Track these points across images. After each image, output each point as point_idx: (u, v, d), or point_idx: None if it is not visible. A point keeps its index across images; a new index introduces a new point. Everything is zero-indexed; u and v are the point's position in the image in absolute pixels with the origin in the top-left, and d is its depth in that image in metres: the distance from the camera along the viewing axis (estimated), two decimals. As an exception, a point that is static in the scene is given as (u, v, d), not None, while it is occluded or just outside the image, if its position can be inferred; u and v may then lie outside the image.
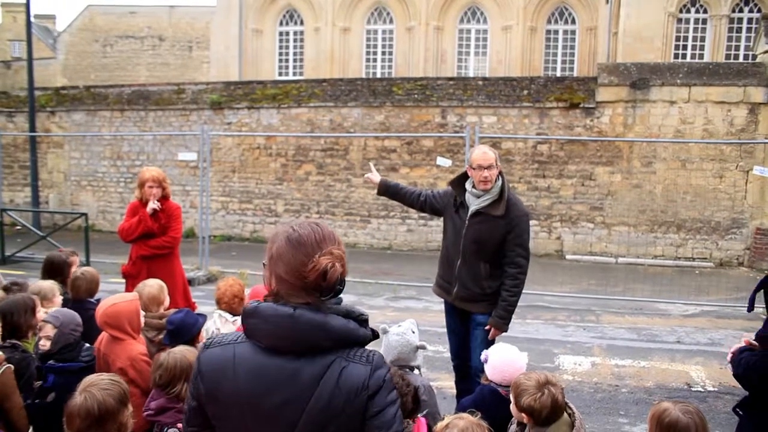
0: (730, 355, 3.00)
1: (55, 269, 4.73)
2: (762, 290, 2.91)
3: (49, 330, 3.42)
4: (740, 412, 2.90)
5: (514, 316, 4.31)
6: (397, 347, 3.35)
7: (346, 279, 1.72)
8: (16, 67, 27.40)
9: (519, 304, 4.29)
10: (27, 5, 14.67)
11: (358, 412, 1.62)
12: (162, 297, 4.12)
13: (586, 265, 12.72)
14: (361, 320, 1.70)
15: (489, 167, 4.14)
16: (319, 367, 1.61)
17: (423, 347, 3.45)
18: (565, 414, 2.92)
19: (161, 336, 3.90)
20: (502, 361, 3.39)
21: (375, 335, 1.75)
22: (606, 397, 5.59)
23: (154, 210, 5.52)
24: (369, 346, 1.73)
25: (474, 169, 4.21)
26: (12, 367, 3.13)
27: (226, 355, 1.68)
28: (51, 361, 3.40)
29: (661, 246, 13.09)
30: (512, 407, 2.95)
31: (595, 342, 7.35)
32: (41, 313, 3.65)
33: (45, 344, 3.42)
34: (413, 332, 3.46)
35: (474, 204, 4.26)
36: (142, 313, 4.00)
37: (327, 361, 1.62)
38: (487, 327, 4.24)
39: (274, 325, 1.62)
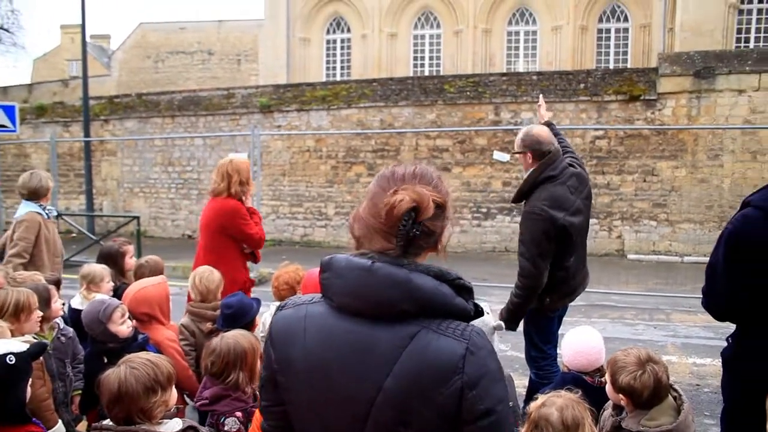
0: None
1: (109, 259, 4.59)
2: None
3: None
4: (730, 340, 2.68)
5: (578, 314, 3.91)
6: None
7: None
8: (73, 85, 28.28)
9: (582, 302, 3.83)
10: (83, 25, 15.01)
11: (450, 404, 1.27)
12: (221, 287, 3.95)
13: (650, 264, 12.10)
14: (458, 285, 1.35)
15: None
16: (401, 336, 1.29)
17: (500, 327, 3.16)
18: (670, 397, 2.59)
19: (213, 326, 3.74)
20: (575, 345, 3.10)
21: (478, 311, 1.38)
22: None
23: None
24: None
25: None
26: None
27: (298, 315, 1.42)
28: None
29: (730, 244, 12.34)
30: (608, 388, 2.64)
31: (669, 340, 6.87)
32: (58, 303, 3.47)
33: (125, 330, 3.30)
34: (487, 312, 3.15)
35: None
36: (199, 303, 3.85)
37: (410, 330, 1.29)
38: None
39: (346, 280, 1.34)
